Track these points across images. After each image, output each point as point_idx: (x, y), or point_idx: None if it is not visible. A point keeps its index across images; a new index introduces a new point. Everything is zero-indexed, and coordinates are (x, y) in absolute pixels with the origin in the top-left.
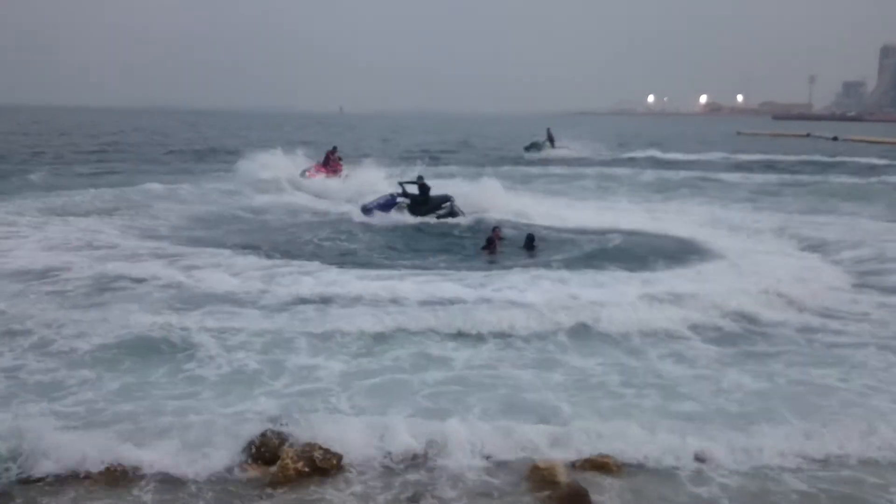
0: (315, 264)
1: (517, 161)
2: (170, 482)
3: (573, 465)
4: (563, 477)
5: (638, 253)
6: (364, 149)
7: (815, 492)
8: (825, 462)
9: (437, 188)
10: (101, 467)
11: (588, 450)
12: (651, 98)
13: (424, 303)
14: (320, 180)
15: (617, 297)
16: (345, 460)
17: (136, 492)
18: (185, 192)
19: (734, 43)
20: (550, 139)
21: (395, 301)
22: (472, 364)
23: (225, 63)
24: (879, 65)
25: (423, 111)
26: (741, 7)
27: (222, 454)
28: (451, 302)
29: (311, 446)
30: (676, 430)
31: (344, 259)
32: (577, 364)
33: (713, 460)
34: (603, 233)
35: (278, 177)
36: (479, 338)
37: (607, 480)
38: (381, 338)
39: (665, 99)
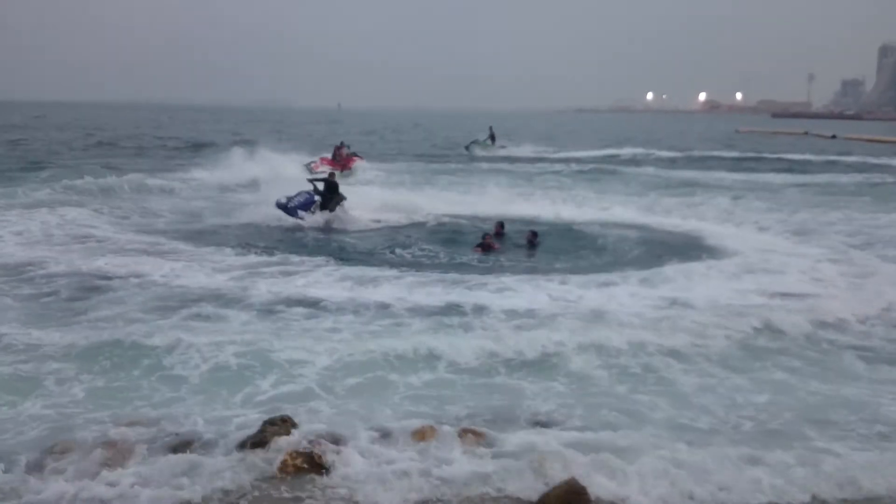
0: (298, 261)
1: (462, 157)
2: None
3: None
4: (562, 475)
5: (640, 251)
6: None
7: None
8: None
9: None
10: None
11: (588, 450)
12: (650, 96)
13: (413, 307)
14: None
15: (621, 299)
16: (341, 457)
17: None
18: (173, 186)
19: (733, 41)
20: (492, 137)
21: (382, 305)
22: (467, 367)
23: (224, 61)
24: (878, 64)
25: (420, 109)
26: (741, 6)
27: (216, 452)
28: (441, 306)
29: (310, 443)
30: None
31: (329, 258)
32: (576, 370)
33: None
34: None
35: (256, 176)
36: (478, 338)
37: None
38: (370, 334)
39: (664, 97)
